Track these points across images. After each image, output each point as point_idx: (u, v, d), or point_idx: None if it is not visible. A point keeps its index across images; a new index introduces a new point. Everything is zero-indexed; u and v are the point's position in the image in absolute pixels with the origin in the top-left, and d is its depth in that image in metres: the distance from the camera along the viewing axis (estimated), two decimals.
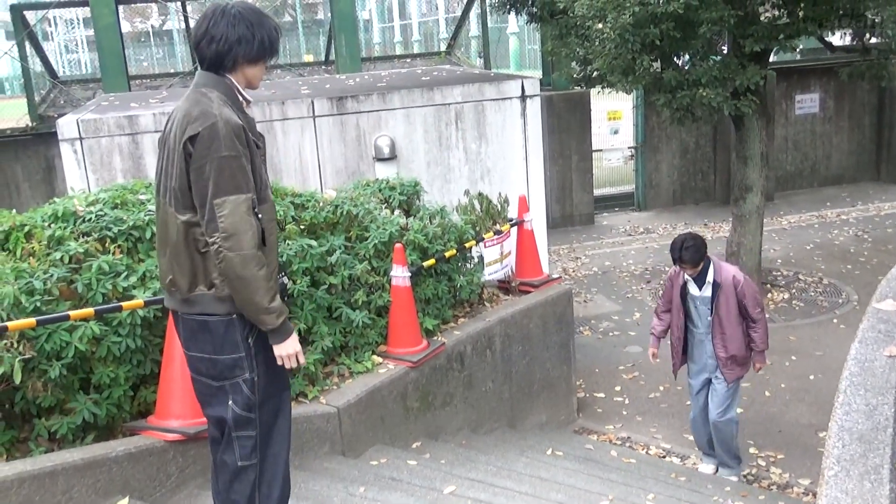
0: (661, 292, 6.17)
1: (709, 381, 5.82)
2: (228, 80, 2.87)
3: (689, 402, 7.06)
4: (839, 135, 15.11)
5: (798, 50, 18.29)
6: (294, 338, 2.89)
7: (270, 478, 2.94)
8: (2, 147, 11.24)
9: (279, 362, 2.88)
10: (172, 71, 20.58)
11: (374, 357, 5.16)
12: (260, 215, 2.77)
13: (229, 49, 2.83)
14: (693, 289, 5.69)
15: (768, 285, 9.83)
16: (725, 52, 8.90)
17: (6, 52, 12.51)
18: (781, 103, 14.44)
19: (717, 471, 6.00)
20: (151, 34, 36.96)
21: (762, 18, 8.38)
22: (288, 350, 2.86)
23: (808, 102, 14.64)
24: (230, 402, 2.84)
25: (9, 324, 3.34)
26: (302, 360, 2.92)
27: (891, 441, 2.36)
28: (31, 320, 3.43)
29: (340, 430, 4.66)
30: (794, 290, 9.74)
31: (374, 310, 5.19)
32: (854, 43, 9.35)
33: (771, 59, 15.19)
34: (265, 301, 2.74)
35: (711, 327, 5.63)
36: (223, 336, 2.80)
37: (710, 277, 5.60)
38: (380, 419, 4.97)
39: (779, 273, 10.43)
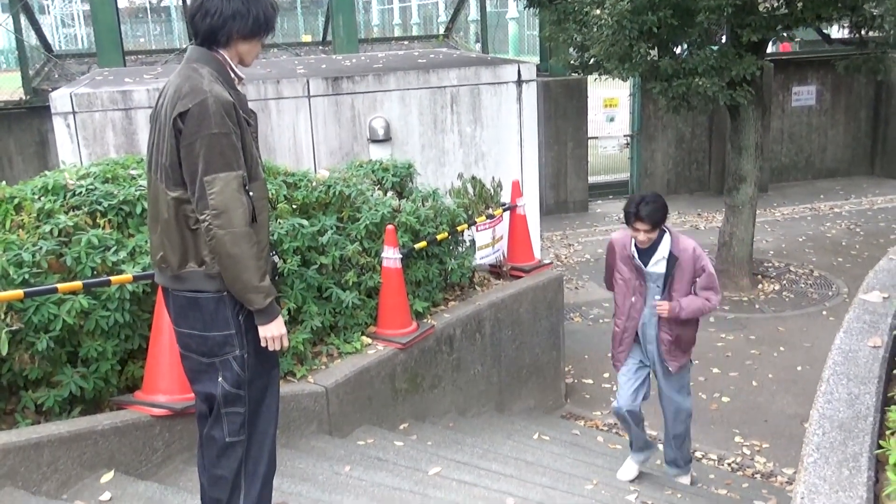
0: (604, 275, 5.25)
1: (644, 367, 5.03)
2: (221, 56, 2.86)
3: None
4: (835, 128, 15.12)
5: (796, 41, 18.30)
6: (280, 320, 2.88)
7: (257, 454, 2.95)
8: None
9: (263, 344, 2.88)
10: (168, 47, 20.47)
11: (364, 338, 5.18)
12: (251, 193, 2.77)
13: (223, 24, 2.81)
14: (638, 264, 4.82)
15: (759, 276, 9.86)
16: (723, 41, 8.89)
17: (1, 24, 12.40)
18: (778, 95, 14.43)
19: (637, 475, 5.15)
20: (149, 10, 36.64)
21: (761, 9, 8.37)
22: (273, 332, 2.85)
23: (804, 94, 14.63)
24: (220, 379, 2.84)
25: None
26: (286, 343, 2.92)
27: (871, 430, 2.38)
28: (19, 292, 3.42)
29: (328, 410, 4.67)
30: (784, 282, 9.77)
31: (364, 291, 5.20)
32: (852, 36, 9.34)
33: (768, 50, 15.24)
34: (254, 280, 2.73)
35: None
36: (213, 313, 2.80)
37: (663, 250, 4.74)
38: (367, 400, 4.99)
39: (770, 264, 10.46)
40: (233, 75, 2.88)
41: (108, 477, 3.45)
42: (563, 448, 5.56)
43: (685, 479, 5.32)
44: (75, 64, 13.61)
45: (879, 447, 2.28)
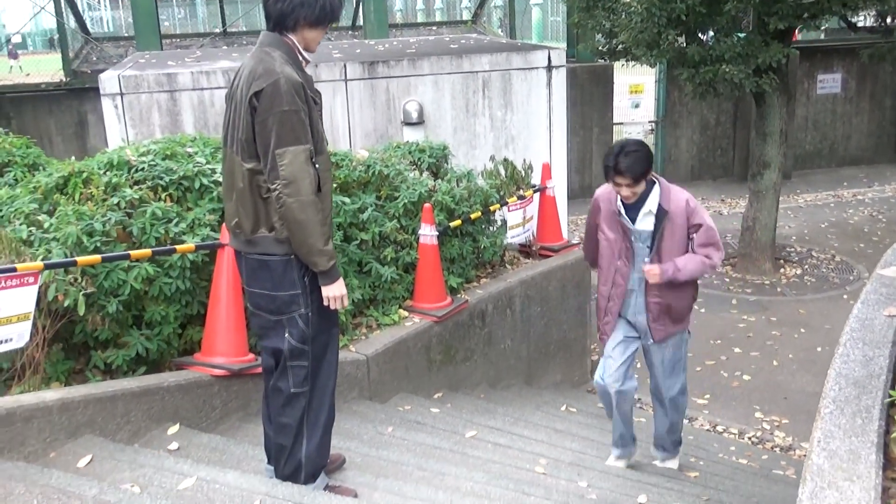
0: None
1: (630, 341, 4.49)
2: (290, 41, 3.11)
3: (698, 368, 7.36)
4: (859, 116, 15.19)
5: (822, 29, 18.30)
6: (341, 282, 3.15)
7: (318, 405, 3.22)
8: (37, 101, 11.52)
9: (326, 303, 3.14)
10: (193, 31, 20.75)
11: (401, 311, 5.43)
12: (317, 165, 3.02)
13: (292, 10, 3.06)
14: (625, 221, 4.26)
15: (781, 260, 10.03)
16: (751, 28, 9.03)
17: (42, 8, 12.73)
18: (803, 82, 14.52)
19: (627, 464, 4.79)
20: None
21: None
22: (335, 292, 3.12)
23: (829, 82, 14.71)
24: (286, 335, 3.12)
25: (78, 259, 3.62)
26: (346, 302, 3.18)
27: (883, 387, 2.61)
28: (97, 257, 3.70)
29: (368, 377, 4.94)
30: (806, 266, 9.95)
31: (401, 266, 5.44)
32: (877, 24, 9.45)
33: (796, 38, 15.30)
34: (319, 244, 3.00)
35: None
36: (282, 274, 3.07)
37: (651, 204, 4.16)
38: (405, 369, 5.25)
39: (792, 249, 10.63)
40: (301, 58, 3.13)
41: (174, 429, 3.73)
42: (591, 419, 5.80)
43: (672, 464, 4.92)
44: (112, 47, 13.93)
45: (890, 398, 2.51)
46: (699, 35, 8.53)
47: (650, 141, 14.47)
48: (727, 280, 9.55)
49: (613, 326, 4.46)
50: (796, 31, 9.47)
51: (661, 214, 4.14)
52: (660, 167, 14.43)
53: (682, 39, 8.41)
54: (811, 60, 14.47)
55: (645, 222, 4.21)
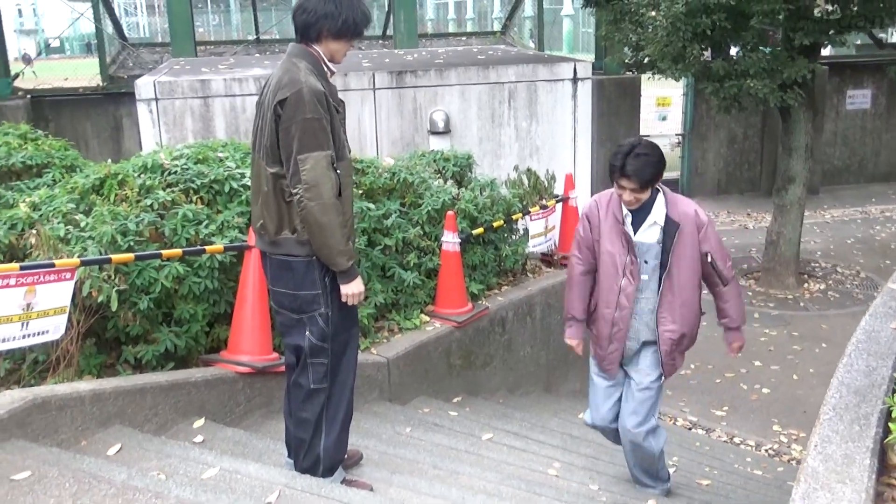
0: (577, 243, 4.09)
1: (621, 384, 4.06)
2: (315, 51, 3.25)
3: (718, 380, 7.41)
4: (889, 132, 15.11)
5: (852, 45, 18.25)
6: (359, 280, 3.28)
7: (337, 401, 3.35)
8: (75, 105, 11.82)
9: (344, 300, 3.28)
10: (227, 38, 21.11)
11: (422, 315, 5.54)
12: (338, 170, 3.16)
13: (315, 21, 3.20)
14: (631, 231, 3.82)
15: (805, 275, 10.04)
16: (779, 43, 9.07)
17: (81, 14, 13.04)
18: (832, 98, 14.49)
19: None
20: (209, 1, 37.52)
21: (816, 13, 8.55)
22: (353, 290, 3.25)
23: (859, 98, 14.66)
24: (307, 333, 3.25)
25: (112, 256, 3.78)
26: (362, 298, 3.32)
27: (883, 396, 2.68)
28: (130, 255, 3.86)
29: (389, 379, 5.06)
30: (830, 282, 9.94)
31: (424, 272, 5.56)
32: None
33: (825, 53, 15.26)
34: (340, 245, 3.13)
35: (661, 290, 3.80)
36: (303, 275, 3.21)
37: (657, 215, 3.75)
38: (424, 372, 5.36)
39: (817, 264, 10.62)
40: (325, 68, 3.27)
41: (199, 423, 3.88)
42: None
43: (660, 494, 4.32)
44: (147, 53, 14.24)
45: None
46: (725, 49, 8.59)
47: (677, 154, 14.51)
48: (750, 294, 9.57)
49: (620, 356, 3.95)
50: (824, 46, 9.49)
51: (672, 228, 3.70)
52: (686, 180, 14.46)
53: (707, 54, 8.48)
54: (841, 76, 14.43)
55: (648, 234, 3.77)
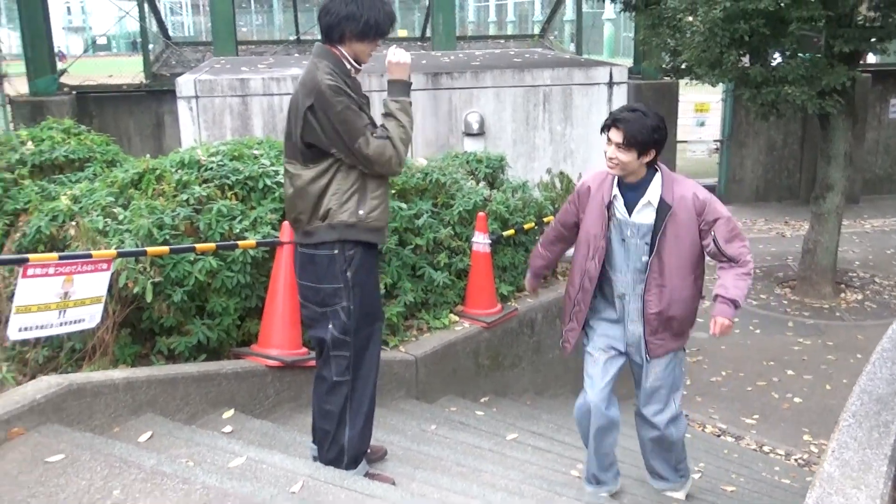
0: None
1: (620, 356, 3.91)
2: (338, 52, 3.31)
3: (749, 388, 7.35)
4: None
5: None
6: (398, 56, 3.38)
7: (361, 394, 3.42)
8: (118, 101, 12.07)
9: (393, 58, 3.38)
10: (269, 38, 21.37)
11: (452, 315, 5.59)
12: (382, 133, 3.28)
13: (338, 23, 3.27)
14: (621, 210, 3.68)
15: (842, 285, 9.91)
16: (821, 49, 8.96)
17: (127, 13, 13.32)
18: (875, 106, 14.27)
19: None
20: (252, 1, 37.99)
21: (859, 20, 8.44)
22: (403, 59, 3.39)
23: None
24: (330, 326, 3.33)
25: (148, 249, 3.88)
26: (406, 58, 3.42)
27: None
28: (165, 248, 3.97)
29: (416, 378, 5.11)
30: (868, 292, 9.81)
31: (454, 272, 5.61)
32: None
33: (869, 61, 15.01)
34: (409, 131, 3.37)
35: (647, 275, 3.66)
36: (326, 268, 3.30)
37: (651, 195, 3.61)
38: (452, 372, 5.41)
39: (854, 274, 10.48)
40: (349, 66, 3.33)
41: (228, 414, 3.96)
42: (634, 431, 5.86)
43: (679, 494, 4.22)
44: (190, 52, 14.48)
45: None
46: (764, 55, 8.52)
47: (714, 160, 14.39)
48: (785, 302, 9.48)
49: (578, 335, 3.93)
50: (865, 54, 9.37)
51: (664, 209, 3.57)
52: (723, 187, 14.33)
53: (745, 60, 8.42)
54: (884, 84, 14.21)
55: (643, 215, 3.63)
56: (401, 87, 3.39)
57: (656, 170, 3.64)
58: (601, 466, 4.04)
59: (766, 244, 11.92)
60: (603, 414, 3.88)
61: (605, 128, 3.60)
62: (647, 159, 3.56)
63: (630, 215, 3.66)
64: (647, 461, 4.18)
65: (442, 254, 5.51)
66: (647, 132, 3.50)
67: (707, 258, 3.73)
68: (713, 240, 3.60)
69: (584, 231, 3.77)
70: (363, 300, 3.36)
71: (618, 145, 3.53)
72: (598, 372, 3.89)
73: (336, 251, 3.29)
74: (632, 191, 3.64)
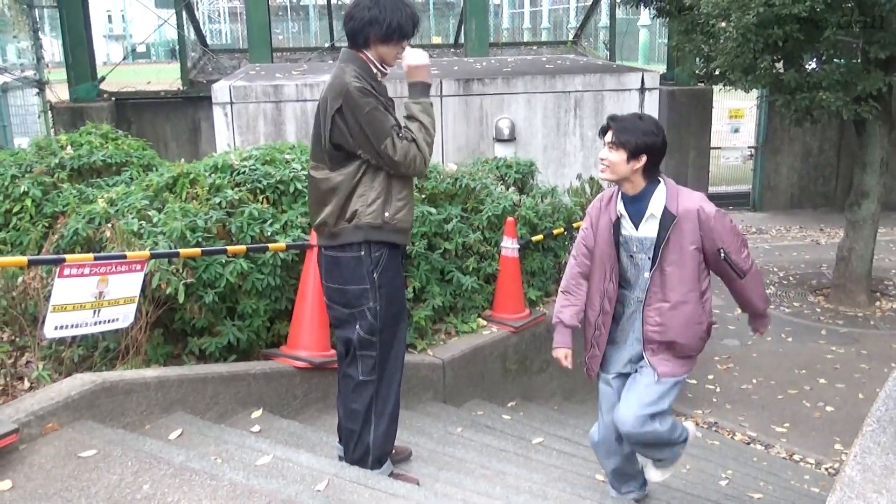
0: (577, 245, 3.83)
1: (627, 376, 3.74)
2: (364, 56, 3.37)
3: (780, 396, 7.28)
4: None
5: None
6: (416, 57, 3.43)
7: (386, 394, 3.47)
8: (156, 107, 12.27)
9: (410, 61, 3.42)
10: (305, 45, 21.57)
11: (480, 319, 5.63)
12: (408, 134, 3.33)
13: (362, 28, 3.33)
14: (628, 226, 3.56)
15: (878, 293, 9.77)
16: (859, 55, 8.86)
17: (165, 21, 13.55)
18: None
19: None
20: (288, 8, 38.33)
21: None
22: (421, 62, 3.43)
23: None
24: (357, 327, 3.39)
25: (180, 251, 3.97)
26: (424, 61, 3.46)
27: None
28: (197, 250, 4.05)
29: (444, 381, 5.15)
30: None
31: (482, 276, 5.65)
32: None
33: None
34: (432, 132, 3.40)
35: (648, 287, 3.54)
36: (352, 270, 3.35)
37: (654, 207, 3.47)
38: (480, 375, 5.44)
39: (890, 282, 10.33)
40: (375, 70, 3.38)
41: (257, 413, 4.03)
42: None
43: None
44: (227, 59, 14.68)
45: None
46: (799, 61, 8.44)
47: (749, 166, 14.27)
48: (818, 310, 9.37)
49: (602, 362, 3.75)
50: None
51: (668, 220, 3.43)
52: (758, 194, 14.21)
53: (779, 65, 8.35)
54: None
55: (648, 228, 3.50)
56: (421, 89, 3.43)
57: (659, 181, 3.51)
58: (621, 481, 4.01)
59: (800, 251, 11.78)
60: (607, 437, 3.84)
61: (603, 130, 3.52)
62: (637, 165, 3.42)
63: (637, 229, 3.53)
64: (642, 456, 3.89)
65: (471, 258, 5.55)
66: (637, 134, 3.40)
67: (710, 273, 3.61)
68: (724, 253, 3.47)
69: (599, 252, 3.64)
70: (389, 300, 3.41)
71: (609, 145, 3.45)
72: (607, 409, 3.79)
73: (363, 252, 3.34)
74: (634, 204, 3.51)
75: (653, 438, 3.60)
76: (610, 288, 3.60)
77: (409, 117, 3.38)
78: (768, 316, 3.84)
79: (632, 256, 3.55)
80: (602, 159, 3.49)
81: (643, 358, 3.60)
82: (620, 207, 3.54)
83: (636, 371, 3.64)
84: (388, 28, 3.29)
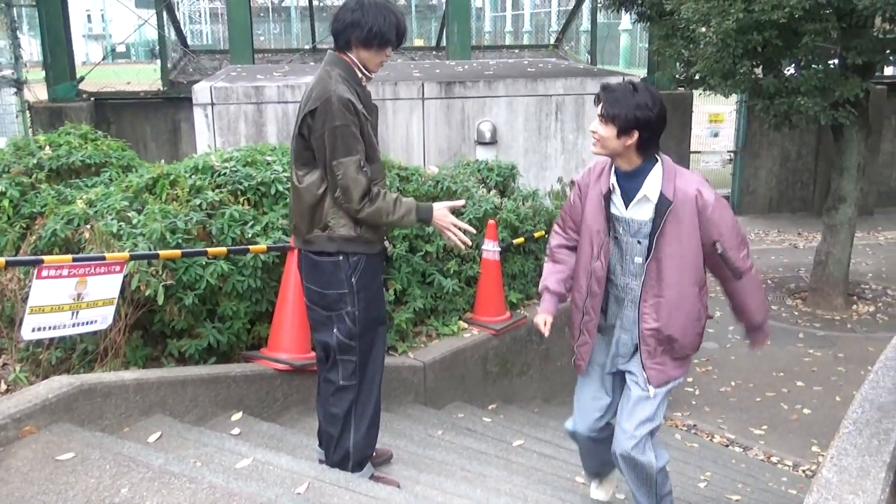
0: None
1: (616, 377, 3.49)
2: (349, 59, 3.35)
3: (758, 399, 7.34)
4: None
5: None
6: (440, 212, 3.40)
7: (366, 398, 3.46)
8: (136, 108, 12.19)
9: (446, 234, 3.42)
10: (287, 47, 21.52)
11: (461, 322, 5.63)
12: (368, 172, 3.27)
13: (343, 30, 3.32)
14: (617, 202, 3.25)
15: (854, 297, 9.87)
16: (837, 61, 8.94)
17: (145, 21, 13.46)
18: (891, 118, 14.21)
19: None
20: (270, 10, 38.22)
21: (874, 31, 8.43)
22: (443, 221, 3.40)
23: None
24: (335, 330, 3.38)
25: (160, 252, 3.95)
26: (463, 225, 3.45)
27: None
28: (177, 252, 4.03)
29: (424, 383, 5.15)
30: (880, 304, 9.76)
31: (463, 279, 5.65)
32: None
33: (888, 73, 14.95)
34: (392, 217, 3.29)
35: (643, 282, 3.24)
36: (331, 274, 3.34)
37: (649, 188, 3.17)
38: (461, 378, 5.44)
39: (867, 286, 10.44)
40: (360, 75, 3.36)
41: (237, 416, 4.01)
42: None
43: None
44: (208, 59, 14.61)
45: None
46: (777, 66, 8.52)
47: (728, 171, 14.37)
48: (796, 314, 9.45)
49: (592, 352, 3.45)
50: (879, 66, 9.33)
51: (664, 206, 3.13)
52: (737, 198, 14.31)
53: (758, 71, 8.42)
54: None
55: (638, 210, 3.20)
56: (422, 215, 3.41)
57: (656, 159, 3.19)
58: (595, 468, 3.88)
59: (778, 255, 11.89)
60: (595, 438, 3.58)
61: (596, 99, 3.24)
62: (629, 141, 3.11)
63: (627, 208, 3.22)
64: (629, 487, 3.57)
65: (452, 261, 5.55)
66: (628, 107, 3.07)
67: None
68: (720, 247, 3.17)
69: (586, 227, 3.31)
70: (368, 305, 3.40)
71: (600, 117, 3.15)
72: (592, 396, 3.52)
73: (340, 258, 3.33)
74: (629, 180, 3.19)
75: (644, 475, 3.36)
76: (598, 267, 3.28)
77: (398, 199, 3.34)
78: (767, 330, 3.49)
79: (617, 238, 3.26)
80: (593, 132, 3.20)
81: (633, 358, 3.34)
82: (614, 180, 3.22)
83: (620, 373, 3.40)
84: (368, 32, 3.27)
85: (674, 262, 3.17)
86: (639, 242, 3.21)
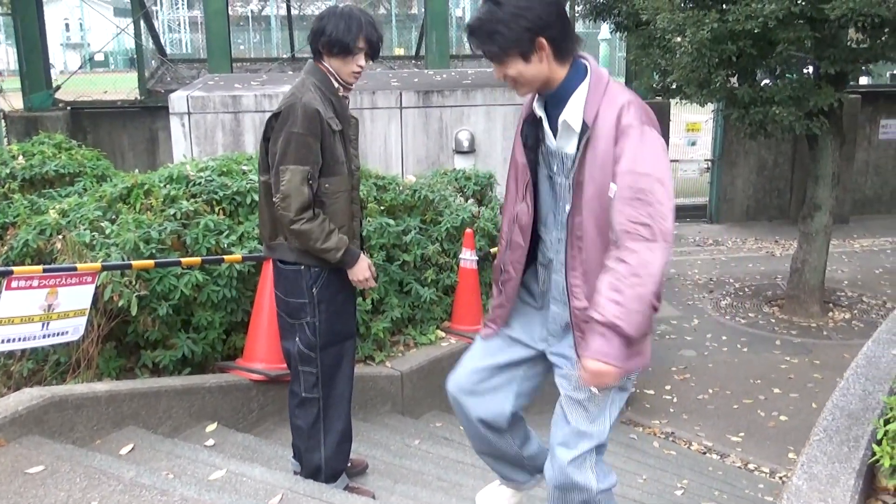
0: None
1: (537, 359, 2.76)
2: (324, 68, 3.34)
3: (735, 406, 7.38)
4: None
5: (889, 75, 18.05)
6: (361, 266, 3.36)
7: (335, 413, 3.43)
8: (113, 117, 12.13)
9: (355, 284, 3.39)
10: (266, 56, 21.49)
11: (438, 331, 5.62)
12: (326, 185, 3.23)
13: (312, 38, 3.32)
14: (548, 135, 2.52)
15: (830, 304, 9.96)
16: (811, 70, 9.03)
17: (122, 30, 13.40)
18: (865, 127, 14.38)
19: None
20: (250, 19, 38.12)
21: (848, 41, 8.53)
22: (357, 276, 3.37)
23: (892, 128, 14.53)
24: (297, 339, 3.37)
25: (133, 262, 3.92)
26: (373, 284, 3.43)
27: (876, 419, 2.71)
28: (151, 262, 4.00)
29: (402, 393, 5.13)
30: (855, 311, 9.86)
31: (441, 288, 5.64)
32: None
33: (861, 82, 15.13)
34: (318, 245, 3.22)
35: (567, 236, 2.49)
36: (293, 282, 3.33)
37: (571, 112, 2.42)
38: (438, 387, 5.38)
39: (843, 294, 10.53)
40: (336, 84, 3.35)
41: (211, 427, 3.98)
42: (619, 448, 5.88)
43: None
44: (186, 68, 14.56)
45: None
46: (752, 76, 8.60)
47: (705, 179, 14.48)
48: (773, 321, 9.52)
49: (508, 314, 2.75)
50: (852, 75, 9.44)
51: (583, 133, 2.39)
52: (714, 206, 14.42)
53: (733, 80, 8.50)
54: (874, 105, 14.32)
55: (564, 140, 2.47)
56: (348, 260, 3.33)
57: (584, 67, 2.44)
58: (492, 464, 3.06)
59: (755, 263, 11.98)
60: (480, 423, 2.81)
61: (472, 47, 2.51)
62: (544, 54, 2.37)
63: (556, 139, 2.49)
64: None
65: (429, 270, 5.54)
66: (504, 25, 2.34)
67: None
68: (612, 189, 2.33)
69: (513, 162, 2.63)
70: (331, 317, 3.37)
71: (491, 61, 2.44)
72: (481, 356, 2.80)
73: (302, 267, 3.32)
74: (556, 105, 2.46)
75: (579, 500, 2.61)
76: (522, 211, 2.58)
77: (333, 232, 3.26)
78: (612, 352, 2.31)
79: (551, 177, 2.55)
80: (501, 79, 2.48)
81: (563, 339, 2.61)
82: (539, 107, 2.53)
83: (556, 367, 2.65)
84: (329, 39, 3.24)
85: (593, 210, 2.39)
86: (569, 181, 2.46)
